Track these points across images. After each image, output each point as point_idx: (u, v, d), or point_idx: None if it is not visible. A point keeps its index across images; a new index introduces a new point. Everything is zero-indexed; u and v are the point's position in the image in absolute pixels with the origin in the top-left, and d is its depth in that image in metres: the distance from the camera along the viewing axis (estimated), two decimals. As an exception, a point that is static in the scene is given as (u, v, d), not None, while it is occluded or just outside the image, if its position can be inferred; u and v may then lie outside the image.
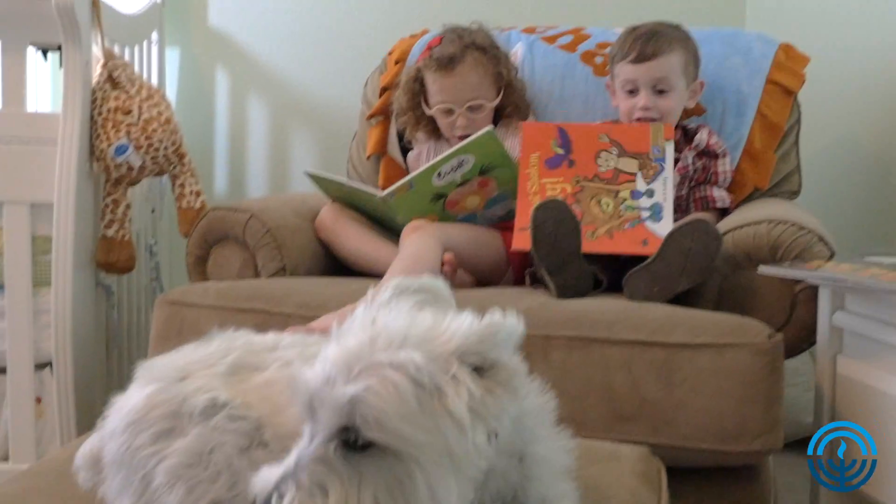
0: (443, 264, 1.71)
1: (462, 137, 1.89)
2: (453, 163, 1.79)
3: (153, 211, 2.44)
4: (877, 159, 2.39)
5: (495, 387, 0.71)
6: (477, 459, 0.72)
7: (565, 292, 1.57)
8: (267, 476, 0.72)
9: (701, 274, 1.54)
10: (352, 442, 0.69)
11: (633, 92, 1.92)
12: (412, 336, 0.71)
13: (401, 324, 0.73)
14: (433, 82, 2.00)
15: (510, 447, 0.80)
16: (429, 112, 2.03)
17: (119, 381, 2.25)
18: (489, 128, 1.82)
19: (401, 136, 2.20)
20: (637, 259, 1.60)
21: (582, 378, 1.39)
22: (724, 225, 1.66)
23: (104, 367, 2.11)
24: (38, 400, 1.96)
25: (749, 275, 1.55)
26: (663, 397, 1.35)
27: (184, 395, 0.88)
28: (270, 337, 0.99)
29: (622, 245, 1.68)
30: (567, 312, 1.45)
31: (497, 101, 2.02)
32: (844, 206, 2.37)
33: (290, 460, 0.71)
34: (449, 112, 1.99)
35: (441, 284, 0.83)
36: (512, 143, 1.95)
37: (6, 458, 1.97)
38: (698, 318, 1.41)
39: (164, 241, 2.59)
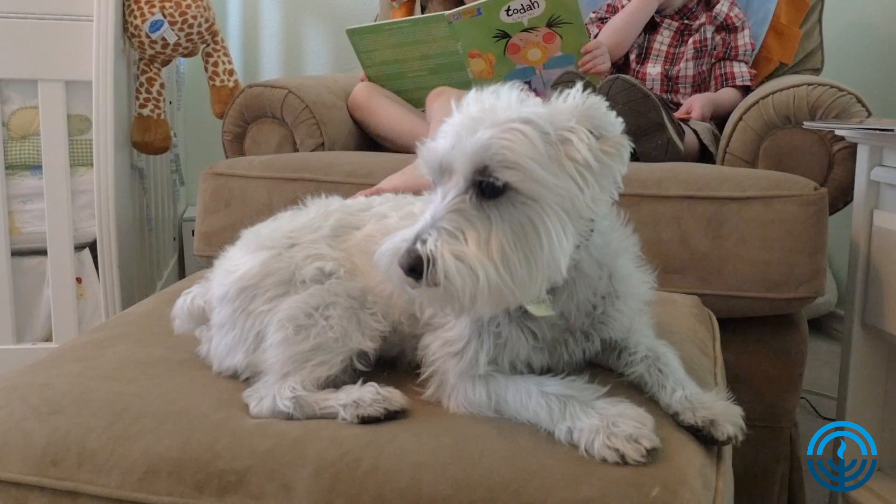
0: None
1: None
2: (525, 2, 1.79)
3: (170, 103, 2.43)
4: (892, 45, 2.42)
5: (609, 148, 0.77)
6: (593, 206, 0.77)
7: None
8: (402, 234, 0.75)
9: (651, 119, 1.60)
10: (485, 187, 0.74)
11: None
12: (530, 104, 0.77)
13: (515, 99, 0.78)
14: None
15: (600, 254, 0.85)
16: None
17: (152, 262, 2.27)
18: None
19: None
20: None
21: (632, 234, 1.44)
22: (761, 90, 1.69)
23: (139, 248, 2.13)
24: (79, 280, 1.99)
25: (787, 135, 1.60)
26: (711, 249, 1.40)
27: (295, 263, 0.92)
28: (361, 199, 1.04)
29: None
30: (615, 172, 1.49)
31: None
32: (860, 87, 2.40)
33: (424, 217, 0.75)
34: None
35: None
36: None
37: (49, 339, 2.01)
38: (745, 174, 1.45)
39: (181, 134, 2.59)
